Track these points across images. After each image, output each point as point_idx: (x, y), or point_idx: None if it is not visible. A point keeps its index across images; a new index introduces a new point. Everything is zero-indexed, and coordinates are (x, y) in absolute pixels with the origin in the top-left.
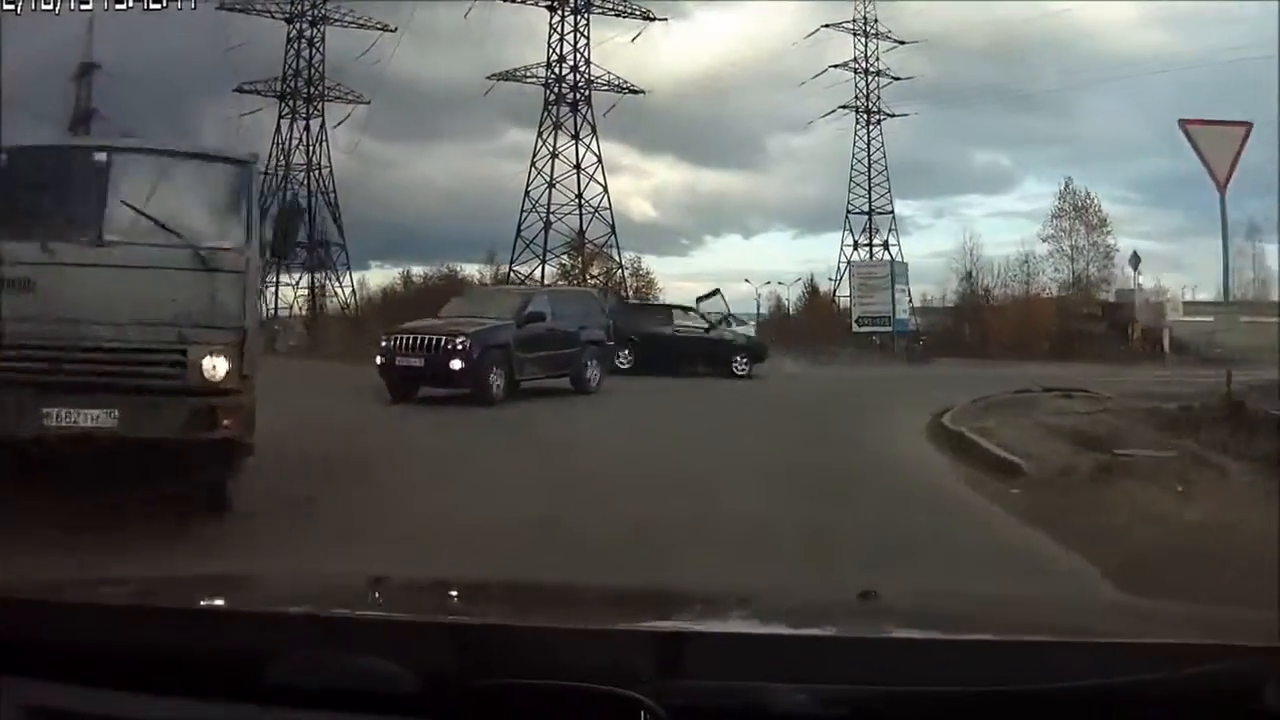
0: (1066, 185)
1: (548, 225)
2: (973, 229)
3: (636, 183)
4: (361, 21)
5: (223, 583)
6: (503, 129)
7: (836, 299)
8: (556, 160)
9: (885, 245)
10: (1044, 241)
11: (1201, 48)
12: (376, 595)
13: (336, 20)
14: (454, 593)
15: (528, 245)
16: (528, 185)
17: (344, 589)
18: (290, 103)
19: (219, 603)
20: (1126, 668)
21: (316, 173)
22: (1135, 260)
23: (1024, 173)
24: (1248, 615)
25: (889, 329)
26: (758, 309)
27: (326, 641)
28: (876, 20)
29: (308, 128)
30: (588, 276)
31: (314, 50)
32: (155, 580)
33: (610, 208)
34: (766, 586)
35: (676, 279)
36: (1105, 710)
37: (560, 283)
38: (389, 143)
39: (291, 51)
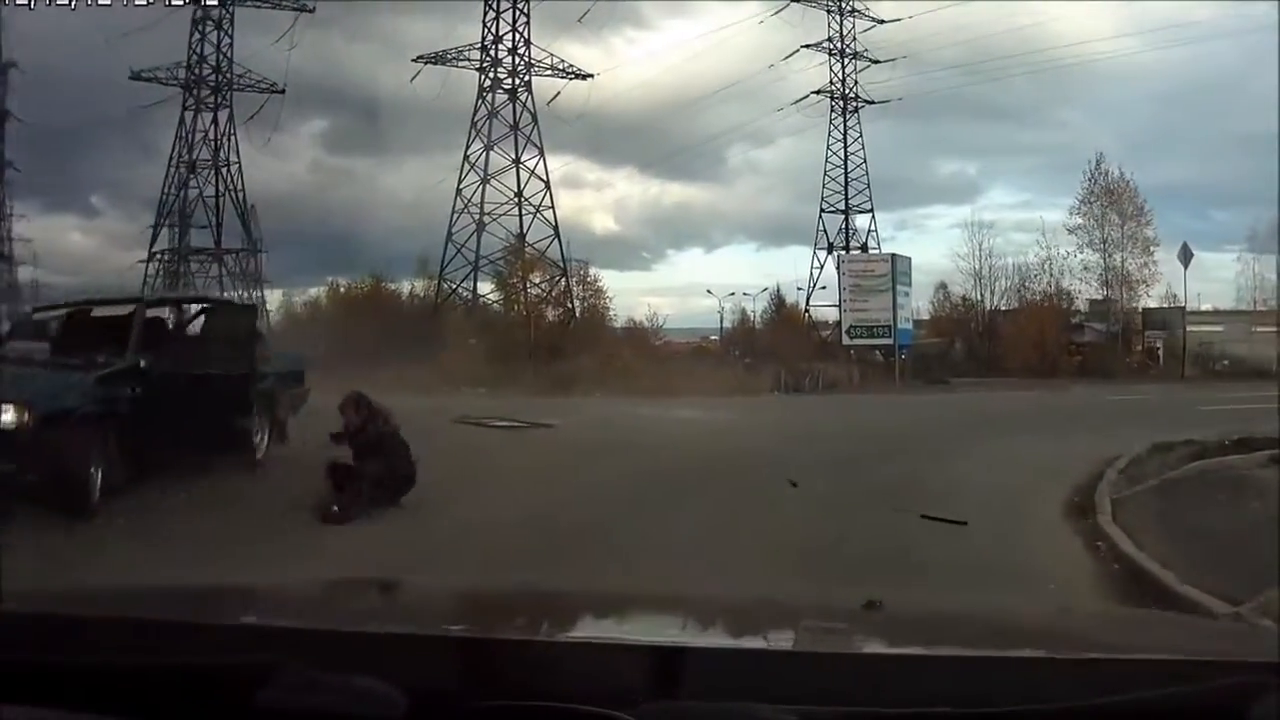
0: (1097, 164)
1: (481, 226)
2: (981, 233)
3: (598, 196)
4: (276, 1)
5: (207, 595)
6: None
7: (808, 311)
8: (493, 153)
9: (864, 247)
10: (1070, 233)
11: (1177, 57)
12: (367, 608)
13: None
14: (434, 603)
15: (459, 250)
16: (460, 182)
17: (333, 601)
18: (195, 92)
19: (201, 617)
20: (1125, 684)
21: (225, 170)
22: (1186, 255)
23: (990, 182)
24: (1239, 628)
25: (888, 340)
26: (721, 323)
27: (321, 658)
28: (854, 34)
29: (215, 120)
30: (528, 286)
31: (222, 33)
32: (133, 592)
33: (554, 207)
34: (772, 597)
35: (639, 293)
36: None
37: (492, 294)
38: (307, 144)
39: (197, 35)
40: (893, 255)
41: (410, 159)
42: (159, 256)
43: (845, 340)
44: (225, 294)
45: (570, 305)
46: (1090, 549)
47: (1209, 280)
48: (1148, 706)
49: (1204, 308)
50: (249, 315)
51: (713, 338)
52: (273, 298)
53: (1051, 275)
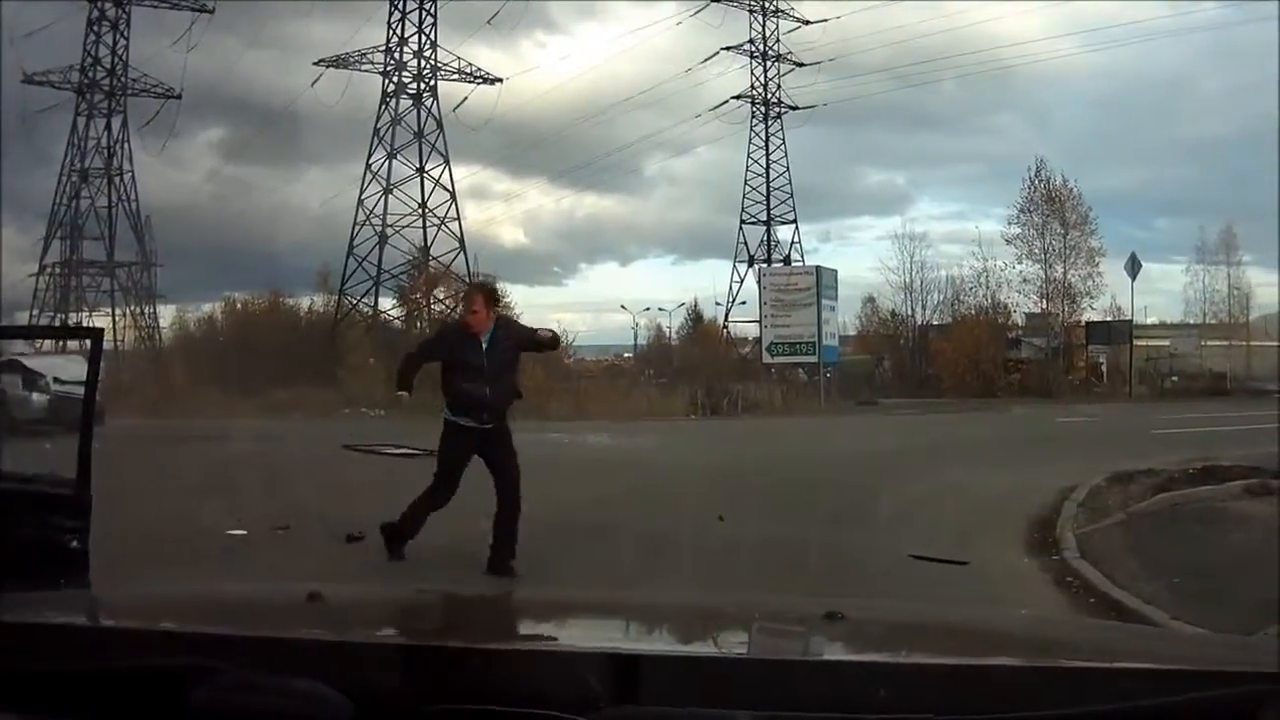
0: (1037, 170)
1: (383, 239)
2: (912, 245)
3: (507, 208)
4: (174, 1)
5: (152, 601)
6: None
7: (727, 327)
8: (397, 162)
9: (786, 259)
10: (1009, 243)
11: (1116, 59)
12: (315, 613)
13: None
14: (397, 610)
15: (360, 264)
16: (361, 192)
17: (281, 607)
18: (88, 96)
19: (147, 623)
20: (1119, 694)
21: (118, 178)
22: (1134, 266)
23: (920, 192)
24: (1235, 640)
25: (812, 358)
26: (635, 340)
27: (261, 664)
28: (778, 35)
29: (108, 126)
30: (432, 301)
31: (117, 35)
32: (81, 598)
33: (460, 218)
34: (733, 604)
35: (550, 309)
36: None
37: (394, 311)
38: (205, 153)
39: (91, 36)
40: (817, 268)
41: (313, 168)
42: (50, 270)
43: (766, 358)
44: (118, 309)
45: None
46: (1060, 585)
47: (1155, 292)
48: (1145, 716)
49: (1150, 321)
50: None
51: (627, 355)
52: (167, 313)
53: (988, 288)
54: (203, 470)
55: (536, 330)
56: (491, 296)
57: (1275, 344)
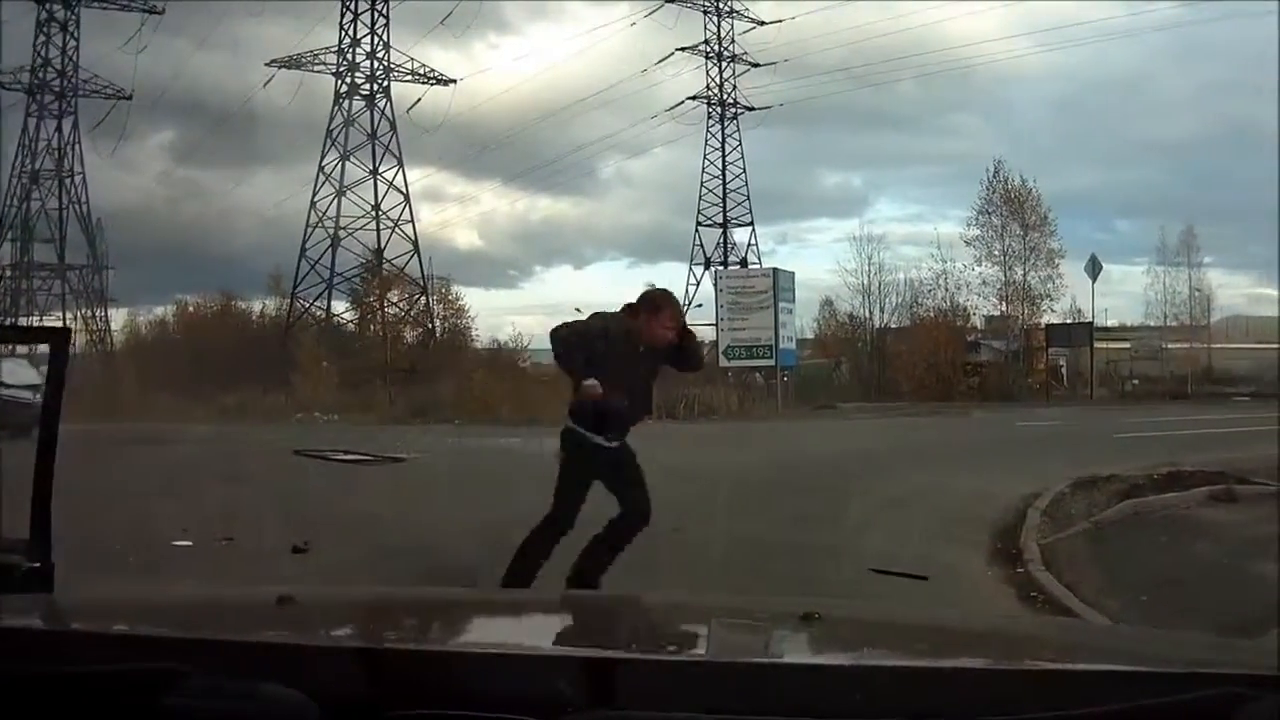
0: (996, 171)
1: (335, 241)
2: (870, 247)
3: (462, 210)
4: (124, 2)
5: (119, 605)
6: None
7: None
8: (351, 164)
9: (743, 262)
10: (968, 245)
11: (1074, 59)
12: (283, 617)
13: (95, 1)
14: (367, 613)
15: (312, 267)
16: (314, 194)
17: (249, 610)
18: (39, 98)
19: (112, 626)
20: (1095, 696)
21: (69, 180)
22: (1095, 268)
23: (878, 194)
24: (1212, 639)
25: (769, 361)
26: None
27: (226, 667)
28: (733, 36)
29: (59, 128)
30: (385, 304)
31: (67, 35)
32: (42, 601)
33: (414, 221)
34: (708, 606)
35: (505, 312)
36: None
37: (347, 314)
38: (156, 155)
39: (41, 37)
40: (774, 270)
41: (266, 170)
42: (0, 272)
43: (723, 361)
44: (69, 313)
45: (430, 325)
46: (1024, 600)
47: (1115, 294)
48: (1119, 718)
49: (1111, 323)
50: None
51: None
52: (119, 317)
53: (946, 290)
54: (150, 477)
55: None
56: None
57: (1237, 346)
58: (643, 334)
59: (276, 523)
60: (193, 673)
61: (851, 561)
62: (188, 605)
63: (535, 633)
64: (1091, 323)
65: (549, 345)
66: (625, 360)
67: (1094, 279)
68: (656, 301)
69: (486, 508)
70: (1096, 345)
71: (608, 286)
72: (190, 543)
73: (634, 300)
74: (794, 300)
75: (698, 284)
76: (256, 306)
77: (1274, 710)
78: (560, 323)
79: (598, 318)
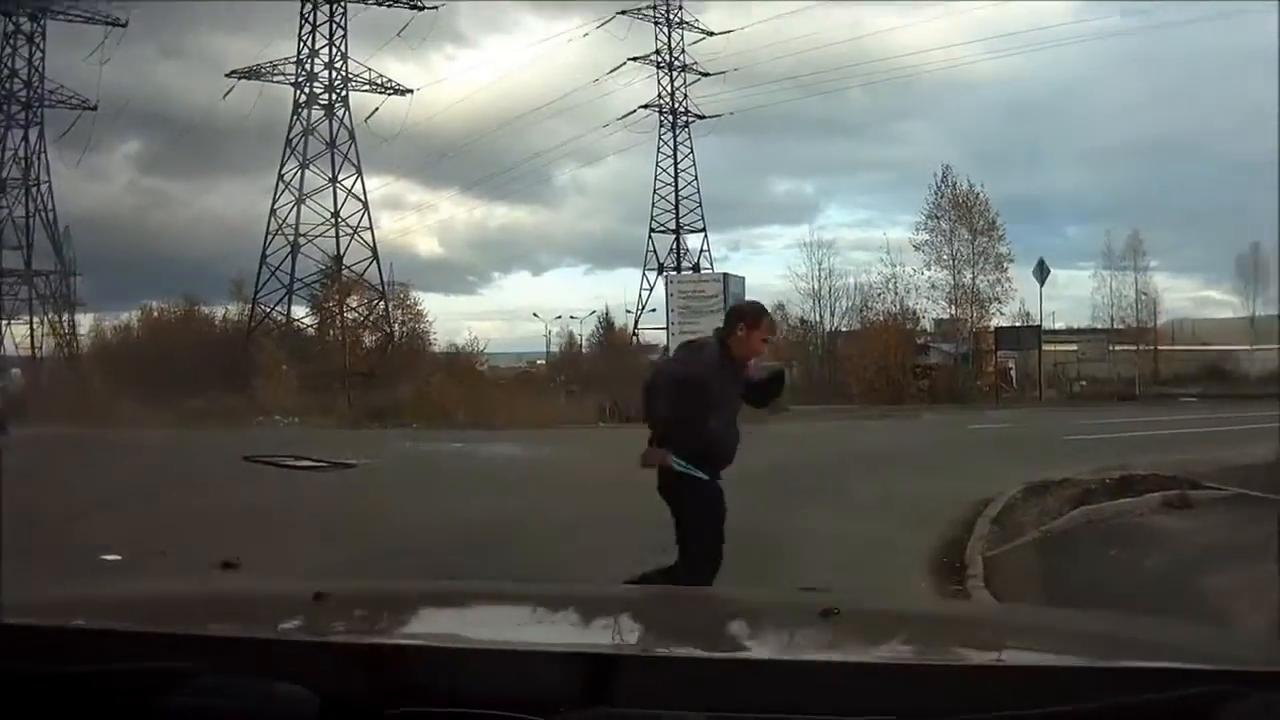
0: (944, 176)
1: (295, 248)
2: (820, 252)
3: (421, 219)
4: (88, 15)
5: (123, 603)
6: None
7: (636, 334)
8: (311, 173)
9: (696, 267)
10: (917, 249)
11: (1019, 67)
12: (284, 614)
13: (60, 14)
14: (387, 608)
15: (273, 273)
16: (274, 202)
17: (252, 608)
18: (5, 108)
19: (115, 623)
20: (1081, 693)
21: (36, 189)
22: (1042, 271)
23: (828, 200)
24: (1201, 632)
25: None
26: (547, 347)
27: (230, 664)
28: (683, 46)
29: (25, 137)
30: (345, 310)
31: (33, 47)
32: (52, 601)
33: (372, 227)
34: (724, 600)
35: (465, 317)
36: None
37: (307, 319)
38: (123, 165)
39: (8, 49)
40: (724, 275)
41: (230, 179)
42: None
43: None
44: (36, 318)
45: (389, 329)
46: None
47: (1062, 298)
48: (1101, 715)
49: (1057, 326)
50: None
51: (540, 362)
52: (86, 322)
53: (896, 293)
54: (93, 485)
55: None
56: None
57: (1184, 348)
58: (744, 348)
59: (214, 535)
60: (193, 670)
61: (785, 579)
62: (204, 601)
63: (536, 628)
64: (1040, 326)
65: (510, 350)
66: (733, 386)
67: (1042, 282)
68: (754, 312)
69: (435, 514)
70: (1044, 348)
71: (565, 292)
72: (119, 557)
73: (722, 320)
74: None
75: (651, 289)
76: (219, 312)
77: (1260, 708)
78: (653, 370)
79: (700, 344)
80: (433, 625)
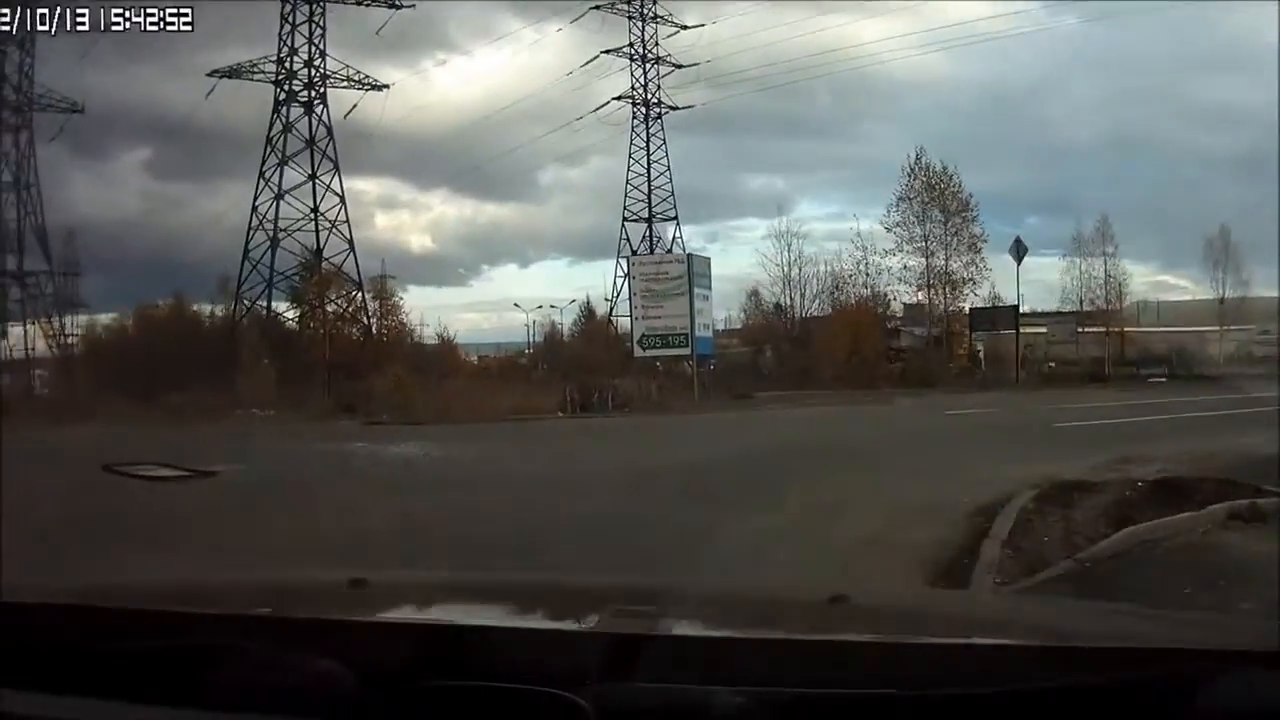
0: (918, 158)
1: (275, 242)
2: (791, 238)
3: (414, 217)
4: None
5: (168, 586)
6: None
7: (612, 321)
8: (292, 170)
9: (669, 251)
10: (889, 231)
11: (976, 66)
12: (322, 596)
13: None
14: (421, 594)
15: (254, 267)
16: (255, 198)
17: (291, 591)
18: None
19: (159, 605)
20: (1075, 670)
21: (26, 192)
22: (1019, 250)
23: (801, 195)
24: (1193, 616)
25: (685, 350)
26: (530, 336)
27: (267, 642)
28: (657, 39)
29: (15, 141)
30: (324, 302)
31: (23, 53)
32: (99, 584)
33: (349, 221)
34: (738, 588)
35: (456, 309)
36: (1060, 713)
37: (287, 312)
38: (127, 168)
39: None
40: (689, 255)
41: (231, 180)
42: None
43: (637, 351)
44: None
45: (366, 321)
46: None
47: (1028, 283)
48: (1095, 690)
49: (1025, 310)
50: None
51: (529, 351)
52: (86, 322)
53: (867, 276)
54: None
55: None
56: None
57: (1149, 329)
58: None
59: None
60: (235, 646)
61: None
62: (243, 585)
63: (562, 610)
64: (1017, 306)
65: (500, 340)
66: None
67: (1019, 261)
68: None
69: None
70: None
71: (550, 284)
72: None
73: None
74: (710, 287)
75: (625, 276)
76: (207, 308)
77: (1241, 684)
78: None
79: None
80: (463, 608)
